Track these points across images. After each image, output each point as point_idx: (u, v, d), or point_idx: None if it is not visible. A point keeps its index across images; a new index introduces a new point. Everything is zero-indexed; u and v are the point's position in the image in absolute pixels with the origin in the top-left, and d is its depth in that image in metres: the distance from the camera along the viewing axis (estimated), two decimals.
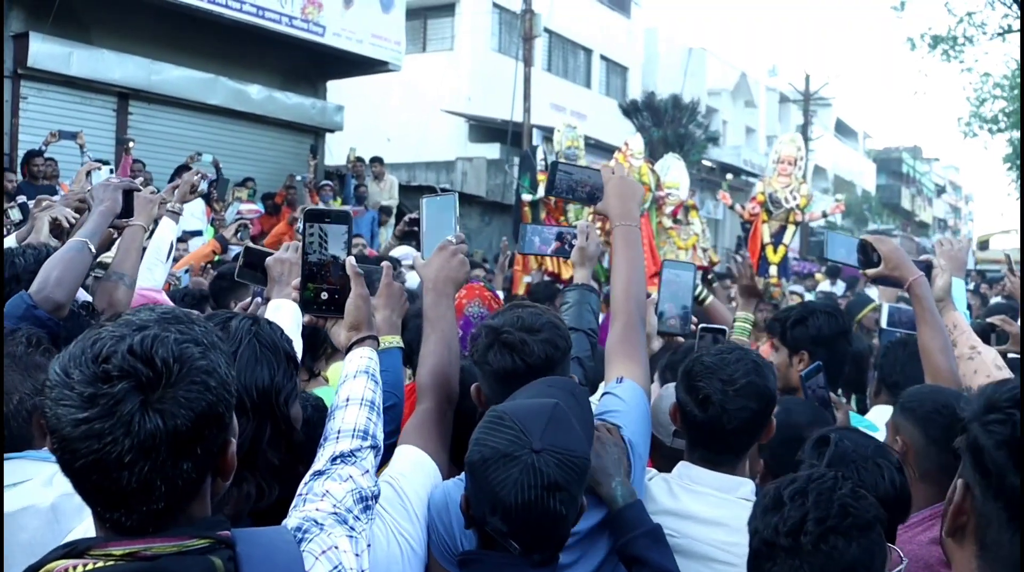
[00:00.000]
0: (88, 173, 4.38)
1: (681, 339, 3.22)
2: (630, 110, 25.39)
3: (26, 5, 11.72)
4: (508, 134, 20.79)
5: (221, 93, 13.96)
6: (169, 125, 13.64)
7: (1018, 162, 27.94)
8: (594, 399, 2.43)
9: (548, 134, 24.66)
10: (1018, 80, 25.51)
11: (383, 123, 22.61)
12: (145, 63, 12.95)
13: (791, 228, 9.40)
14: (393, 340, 2.44)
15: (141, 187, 3.35)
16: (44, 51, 11.80)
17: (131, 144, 11.21)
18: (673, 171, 9.38)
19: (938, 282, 3.10)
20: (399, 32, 15.83)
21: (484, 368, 2.25)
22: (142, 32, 12.94)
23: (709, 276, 9.24)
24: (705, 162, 29.91)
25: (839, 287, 16.57)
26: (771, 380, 2.35)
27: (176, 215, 4.12)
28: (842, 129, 56.57)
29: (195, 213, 10.83)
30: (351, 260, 2.18)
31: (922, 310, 2.89)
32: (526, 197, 8.52)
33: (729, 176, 14.64)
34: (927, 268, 3.09)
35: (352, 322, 2.14)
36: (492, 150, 22.93)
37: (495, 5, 25.45)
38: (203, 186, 5.73)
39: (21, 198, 4.86)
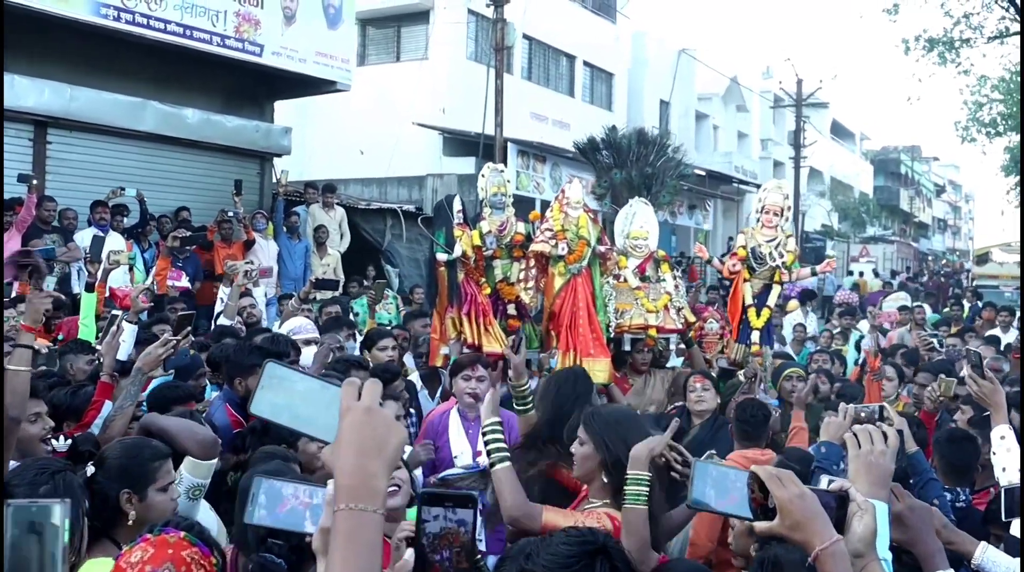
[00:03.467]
0: None
1: None
2: (587, 149, 21.80)
3: None
4: (480, 147, 19.71)
5: (152, 118, 12.85)
6: (94, 154, 12.51)
7: (1018, 169, 26.99)
8: None
9: (524, 147, 23.72)
10: (1017, 83, 24.49)
11: (354, 137, 21.64)
12: (63, 88, 11.85)
13: (776, 289, 8.02)
14: None
15: None
16: None
17: (34, 182, 10.17)
18: (639, 218, 8.04)
19: (856, 530, 1.90)
20: (348, 50, 14.73)
21: None
22: (60, 56, 11.86)
23: (685, 340, 8.08)
24: (698, 171, 28.64)
25: (811, 320, 13.60)
26: None
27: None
28: (838, 131, 55.72)
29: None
30: None
31: None
32: (441, 257, 7.15)
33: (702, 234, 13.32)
34: (840, 502, 1.93)
35: None
36: (467, 165, 21.83)
37: (471, 12, 24.34)
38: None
39: None
